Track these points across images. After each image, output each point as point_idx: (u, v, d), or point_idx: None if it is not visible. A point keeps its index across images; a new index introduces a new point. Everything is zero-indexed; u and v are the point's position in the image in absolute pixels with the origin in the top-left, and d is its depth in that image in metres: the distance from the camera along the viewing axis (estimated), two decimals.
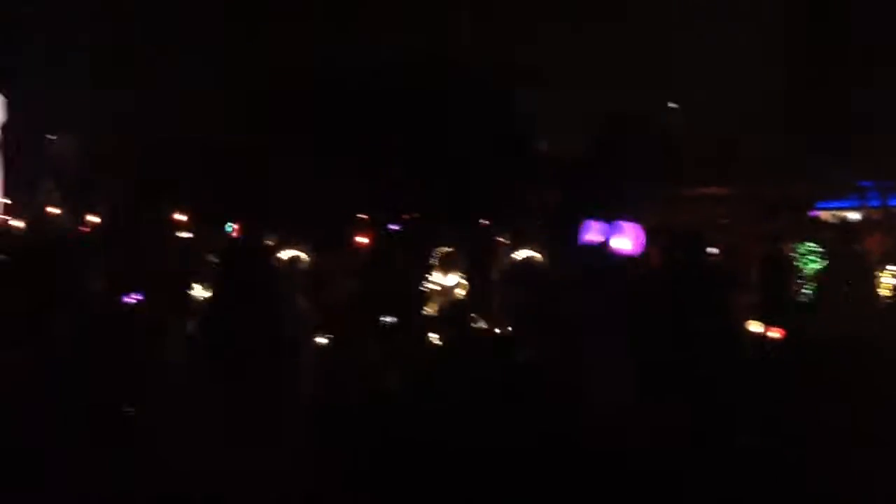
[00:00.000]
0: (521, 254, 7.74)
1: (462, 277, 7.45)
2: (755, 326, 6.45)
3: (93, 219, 35.03)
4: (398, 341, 5.72)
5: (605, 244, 7.24)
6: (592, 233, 8.25)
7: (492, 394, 3.56)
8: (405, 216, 26.03)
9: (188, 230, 22.72)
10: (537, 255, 7.64)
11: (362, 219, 25.35)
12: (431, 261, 7.54)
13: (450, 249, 7.65)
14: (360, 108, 33.85)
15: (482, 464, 3.37)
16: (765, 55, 31.82)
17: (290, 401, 3.07)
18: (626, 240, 7.23)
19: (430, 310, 6.60)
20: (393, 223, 21.86)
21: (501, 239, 8.52)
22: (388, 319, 5.78)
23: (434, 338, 5.05)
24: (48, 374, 2.54)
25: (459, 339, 4.40)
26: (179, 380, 3.62)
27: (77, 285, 7.34)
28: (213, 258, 8.56)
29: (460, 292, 7.31)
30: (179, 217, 28.89)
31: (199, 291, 7.67)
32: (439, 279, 7.40)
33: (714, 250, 9.75)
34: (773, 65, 31.44)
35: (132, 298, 7.34)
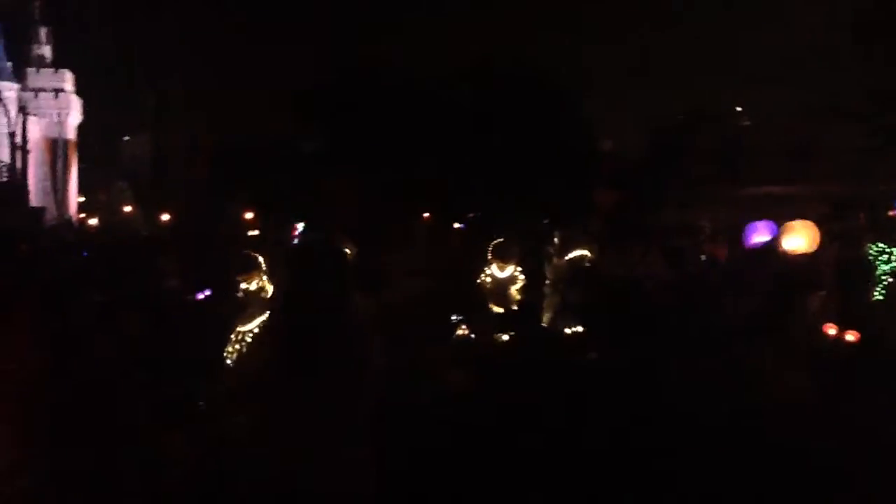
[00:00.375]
0: (574, 253, 7.47)
1: (518, 271, 7.00)
2: (830, 329, 6.29)
3: (165, 217, 36.01)
4: (464, 340, 5.70)
5: (772, 244, 6.72)
6: (760, 233, 7.86)
7: (565, 393, 3.55)
8: (470, 215, 26.06)
9: (256, 228, 23.26)
10: (588, 254, 7.41)
11: (427, 217, 25.41)
12: (487, 253, 7.11)
13: (502, 240, 7.18)
14: (429, 109, 34.07)
15: (554, 463, 3.36)
16: (837, 52, 30.93)
17: (360, 399, 3.11)
18: (798, 238, 6.65)
19: (497, 308, 6.48)
20: (459, 222, 21.99)
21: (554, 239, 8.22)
22: (456, 318, 5.76)
23: (502, 336, 5.04)
24: (123, 369, 2.64)
25: (529, 338, 4.39)
26: (250, 375, 3.70)
27: (151, 282, 7.55)
28: (282, 255, 8.71)
29: (516, 287, 6.90)
30: (248, 215, 29.56)
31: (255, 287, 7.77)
32: (494, 272, 7.02)
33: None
34: (845, 62, 30.55)
35: (203, 295, 7.53)
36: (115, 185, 56.87)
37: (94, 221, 41.76)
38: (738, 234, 8.29)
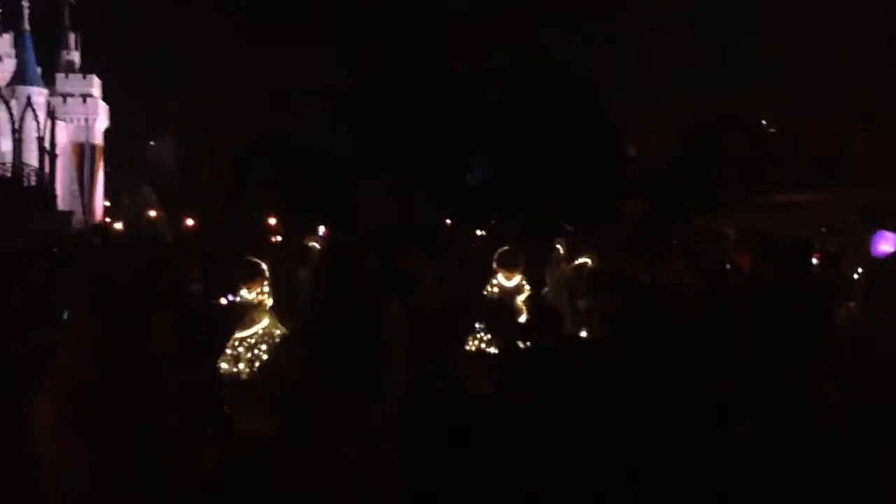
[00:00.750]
0: (579, 260, 7.34)
1: (525, 280, 6.80)
2: None
3: (189, 222, 36.28)
4: (488, 346, 5.67)
5: None
6: (888, 242, 7.63)
7: (590, 399, 3.52)
8: (492, 220, 26.04)
9: (279, 234, 23.38)
10: (590, 262, 7.29)
11: (449, 223, 25.42)
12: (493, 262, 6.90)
13: (509, 248, 7.00)
14: (450, 114, 34.14)
15: (582, 469, 3.33)
16: (868, 56, 30.67)
17: (386, 408, 3.09)
18: None
19: (521, 315, 6.41)
20: (480, 228, 21.99)
21: (559, 246, 8.01)
22: (480, 325, 5.72)
23: (523, 344, 5.00)
24: (155, 373, 2.64)
25: (552, 345, 4.36)
26: (274, 382, 3.70)
27: (177, 286, 7.59)
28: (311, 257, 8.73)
29: (523, 297, 6.70)
30: (271, 221, 29.74)
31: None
32: (501, 281, 6.93)
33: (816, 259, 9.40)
34: (877, 66, 30.26)
35: (228, 299, 7.56)
36: (141, 190, 57.50)
37: (119, 225, 42.22)
38: (765, 241, 8.19)
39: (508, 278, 6.52)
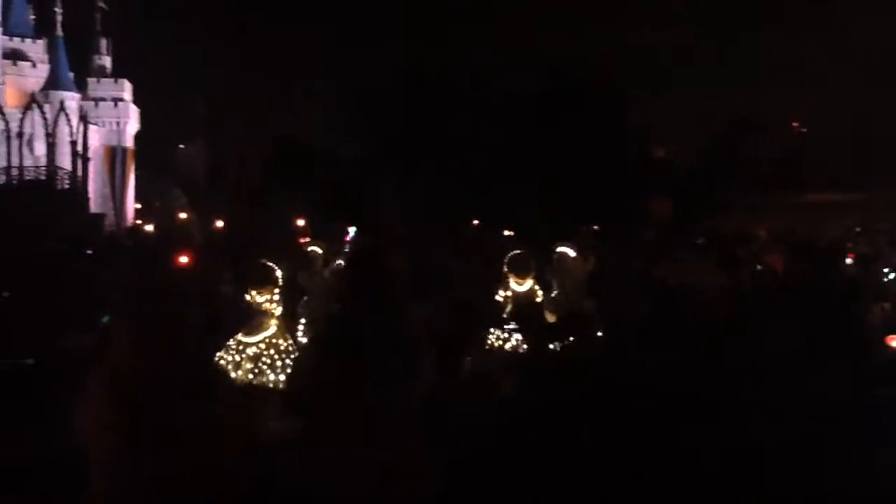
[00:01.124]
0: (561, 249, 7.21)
1: (536, 283, 6.66)
2: (893, 341, 6.10)
3: (219, 224, 36.64)
4: (515, 348, 5.66)
5: None
6: None
7: (612, 401, 3.51)
8: (517, 221, 25.95)
9: (307, 235, 23.51)
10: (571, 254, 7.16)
11: (475, 224, 25.43)
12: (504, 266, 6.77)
13: (520, 252, 6.88)
14: (482, 113, 34.12)
15: (614, 474, 3.33)
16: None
17: (411, 404, 3.11)
18: None
19: (550, 318, 6.37)
20: (507, 228, 21.94)
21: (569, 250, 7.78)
22: (510, 326, 5.70)
23: (552, 346, 4.99)
24: (195, 374, 2.69)
25: (579, 346, 4.35)
26: (300, 385, 3.74)
27: (209, 287, 7.69)
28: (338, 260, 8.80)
29: (539, 297, 6.58)
30: (300, 222, 29.93)
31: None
32: (513, 286, 6.46)
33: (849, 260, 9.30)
34: None
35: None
36: (171, 193, 58.15)
37: (149, 228, 42.70)
38: (798, 242, 8.12)
39: (520, 283, 6.42)
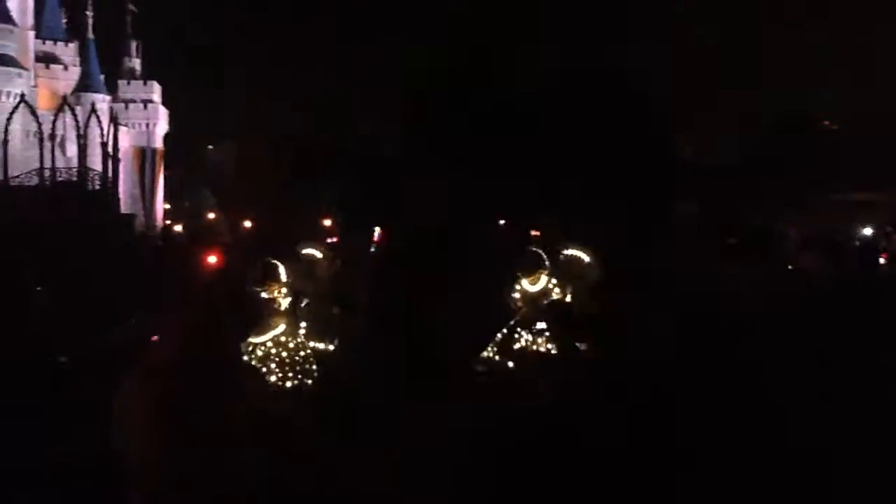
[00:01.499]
0: (568, 252, 7.01)
1: (552, 283, 6.46)
2: None
3: (247, 224, 36.89)
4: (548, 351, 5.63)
5: None
6: None
7: (658, 402, 3.50)
8: (547, 221, 25.85)
9: (334, 234, 23.65)
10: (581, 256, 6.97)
11: (505, 223, 25.32)
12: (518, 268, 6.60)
13: (530, 251, 6.69)
14: (504, 114, 34.02)
15: (647, 475, 3.32)
16: None
17: (442, 403, 3.13)
18: None
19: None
20: (534, 228, 21.87)
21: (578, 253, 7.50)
22: (539, 326, 5.69)
23: (582, 347, 4.98)
24: (234, 373, 2.73)
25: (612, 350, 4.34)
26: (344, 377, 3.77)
27: (237, 288, 7.76)
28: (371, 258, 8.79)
29: (550, 301, 6.36)
30: (326, 222, 30.08)
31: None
32: (525, 287, 6.26)
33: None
34: None
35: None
36: (200, 193, 58.76)
37: (179, 228, 43.17)
38: (829, 241, 8.02)
39: (533, 283, 6.28)
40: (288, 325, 5.10)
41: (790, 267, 8.92)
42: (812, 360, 4.21)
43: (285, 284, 5.20)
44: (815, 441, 3.85)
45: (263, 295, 5.07)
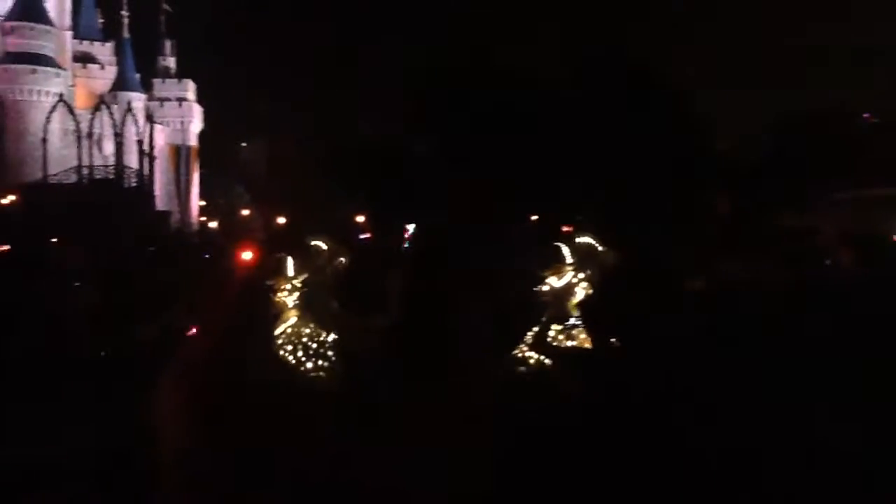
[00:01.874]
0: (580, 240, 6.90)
1: (578, 277, 6.32)
2: None
3: (280, 220, 37.26)
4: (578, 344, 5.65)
5: None
6: None
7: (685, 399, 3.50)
8: (578, 218, 25.74)
9: (366, 230, 23.80)
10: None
11: (534, 220, 25.31)
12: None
13: (554, 244, 6.58)
14: (538, 108, 33.88)
15: (673, 471, 3.33)
16: None
17: (470, 400, 3.15)
18: None
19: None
20: (565, 224, 21.80)
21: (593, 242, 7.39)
22: (568, 323, 5.70)
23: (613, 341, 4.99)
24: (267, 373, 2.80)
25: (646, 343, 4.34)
26: (372, 374, 3.82)
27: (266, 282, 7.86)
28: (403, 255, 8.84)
29: (577, 296, 6.22)
30: (359, 218, 30.27)
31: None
32: (551, 281, 6.14)
33: None
34: None
35: None
36: (234, 190, 59.41)
37: (213, 224, 43.71)
38: (863, 237, 7.93)
39: (558, 277, 6.13)
40: (301, 318, 5.23)
41: (827, 262, 8.82)
42: (850, 359, 4.18)
43: (291, 279, 5.32)
44: (848, 444, 3.83)
45: (270, 286, 5.21)
